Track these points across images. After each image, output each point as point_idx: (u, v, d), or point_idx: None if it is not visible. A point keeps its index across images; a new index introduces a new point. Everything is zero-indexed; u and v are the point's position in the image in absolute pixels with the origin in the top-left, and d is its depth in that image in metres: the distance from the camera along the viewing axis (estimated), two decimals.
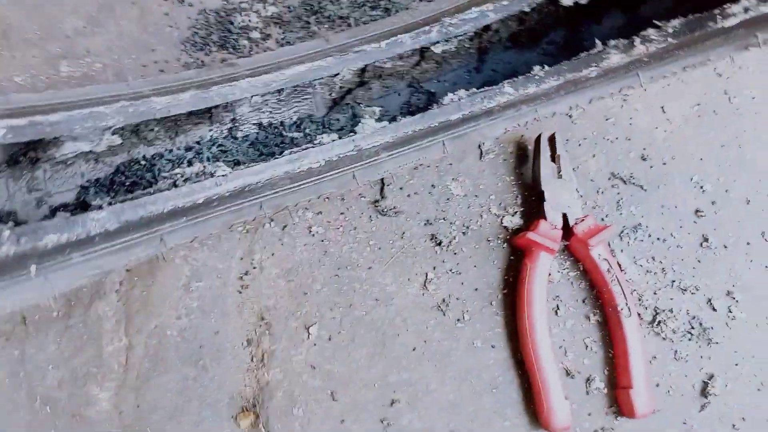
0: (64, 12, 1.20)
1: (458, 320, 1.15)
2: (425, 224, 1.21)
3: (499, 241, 1.22)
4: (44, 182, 0.96)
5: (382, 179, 1.22)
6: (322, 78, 1.05)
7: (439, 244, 1.19)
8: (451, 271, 1.19)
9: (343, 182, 1.10)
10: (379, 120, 1.08)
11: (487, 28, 1.08)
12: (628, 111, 1.33)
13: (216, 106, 1.01)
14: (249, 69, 0.99)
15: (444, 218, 1.22)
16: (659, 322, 1.19)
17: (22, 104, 0.83)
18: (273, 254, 1.15)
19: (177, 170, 0.96)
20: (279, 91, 1.04)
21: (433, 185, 1.24)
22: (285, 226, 1.17)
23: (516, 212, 1.24)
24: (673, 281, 1.24)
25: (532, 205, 1.24)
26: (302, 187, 1.04)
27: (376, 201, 1.20)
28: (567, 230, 1.19)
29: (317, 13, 1.28)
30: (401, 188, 1.22)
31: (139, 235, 0.92)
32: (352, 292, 1.15)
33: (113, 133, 0.92)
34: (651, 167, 1.31)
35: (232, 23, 1.25)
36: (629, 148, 1.32)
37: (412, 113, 1.10)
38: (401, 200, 1.22)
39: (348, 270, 1.16)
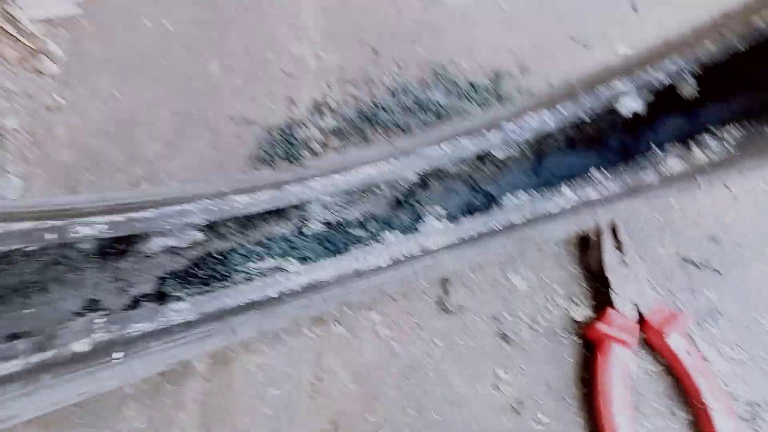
0: (145, 139, 1.32)
1: (534, 421, 1.11)
2: (492, 320, 1.19)
3: (570, 335, 1.18)
4: (128, 273, 1.03)
5: (445, 277, 1.23)
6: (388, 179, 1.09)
7: (508, 340, 1.17)
8: (522, 368, 1.15)
9: (407, 280, 1.12)
10: (441, 220, 1.10)
11: (546, 134, 1.11)
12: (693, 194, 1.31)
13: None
14: (320, 170, 1.05)
15: (510, 313, 1.20)
16: (755, 417, 1.11)
17: (119, 201, 0.90)
18: (342, 358, 1.16)
19: (250, 264, 1.01)
20: (347, 192, 1.09)
21: (496, 280, 1.23)
22: (352, 329, 1.18)
23: (584, 304, 1.21)
24: (765, 370, 1.16)
25: (601, 295, 1.21)
26: (368, 284, 1.07)
27: (440, 299, 1.21)
28: (640, 320, 1.15)
29: (371, 122, 1.35)
30: (464, 285, 1.23)
31: (214, 327, 0.96)
32: (422, 395, 1.13)
33: (197, 230, 0.97)
34: (724, 250, 1.27)
35: (294, 137, 1.34)
36: (698, 231, 1.29)
37: (472, 213, 1.12)
38: (465, 297, 1.21)
39: (417, 371, 1.15)
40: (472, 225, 1.07)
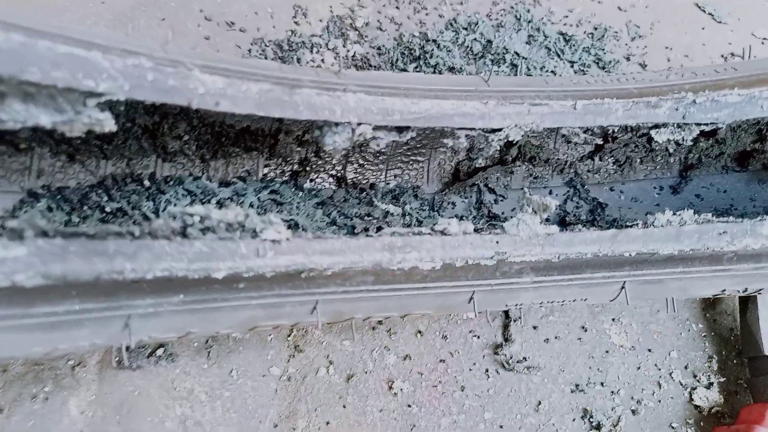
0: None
1: None
2: (573, 390, 0.76)
3: (690, 429, 0.75)
4: None
5: (506, 311, 0.78)
6: (467, 131, 0.62)
7: (598, 427, 0.73)
8: None
9: (451, 303, 0.65)
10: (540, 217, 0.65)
11: (709, 134, 0.68)
12: None
13: (290, 126, 0.58)
14: (361, 84, 0.58)
15: (602, 383, 0.76)
16: None
17: None
18: (328, 423, 0.69)
19: (195, 209, 0.48)
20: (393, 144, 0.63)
21: (584, 327, 0.79)
22: (350, 376, 0.71)
23: (712, 383, 0.78)
24: None
25: (736, 371, 0.78)
26: (389, 294, 0.59)
27: (498, 346, 0.76)
28: None
29: (416, 59, 0.90)
30: (535, 328, 0.78)
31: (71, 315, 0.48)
32: None
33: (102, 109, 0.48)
34: None
35: (292, 58, 0.87)
36: None
37: (564, 224, 0.68)
38: (535, 348, 0.77)
39: None
40: (592, 242, 0.61)
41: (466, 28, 0.94)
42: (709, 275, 0.66)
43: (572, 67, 0.95)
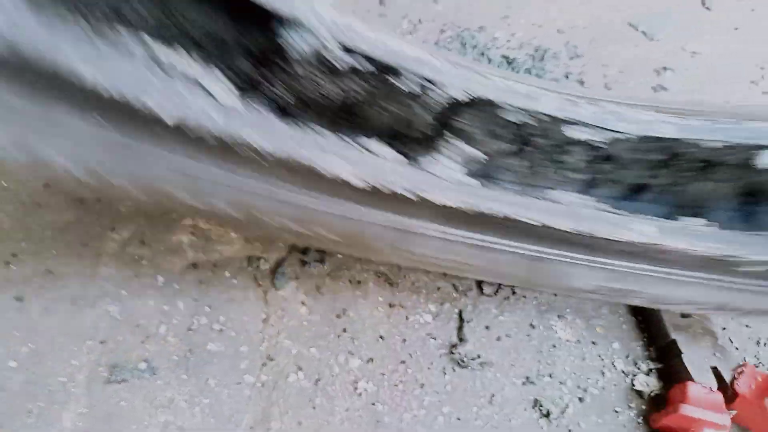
0: None
1: None
2: (524, 383, 0.83)
3: (633, 413, 0.82)
4: None
5: (459, 312, 0.85)
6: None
7: (547, 415, 0.80)
8: None
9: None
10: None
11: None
12: None
13: None
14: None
15: (550, 375, 0.84)
16: None
17: None
18: (300, 423, 0.76)
19: None
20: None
21: (532, 325, 0.86)
22: (318, 380, 0.78)
23: (651, 369, 0.85)
24: None
25: (669, 356, 0.86)
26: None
27: (453, 346, 0.83)
28: (725, 390, 0.81)
29: None
30: (488, 328, 0.85)
31: None
32: None
33: None
34: None
35: None
36: None
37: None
38: (488, 345, 0.84)
39: None
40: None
41: None
42: (591, 264, 0.70)
43: None
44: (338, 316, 0.83)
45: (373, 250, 0.72)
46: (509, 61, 1.06)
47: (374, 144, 0.65)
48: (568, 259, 0.69)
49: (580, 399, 0.83)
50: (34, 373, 0.73)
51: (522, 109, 0.68)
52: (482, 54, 1.06)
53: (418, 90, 0.66)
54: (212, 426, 0.75)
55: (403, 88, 0.66)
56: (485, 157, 0.72)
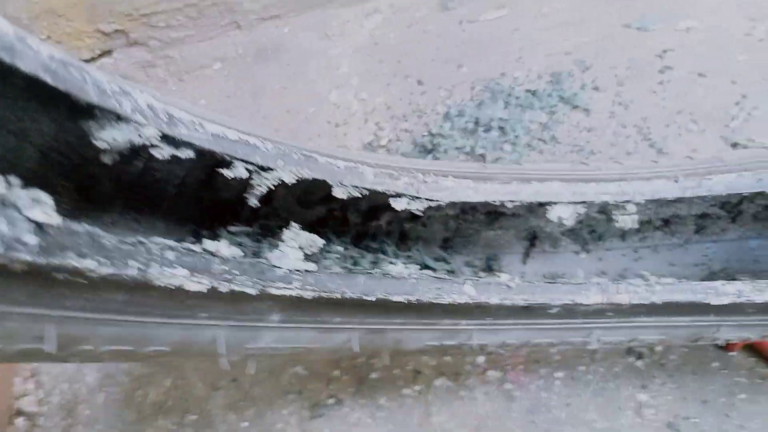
0: None
1: None
2: None
3: None
4: None
5: None
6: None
7: (641, 357, 1.00)
8: (665, 386, 0.98)
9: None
10: None
11: None
12: None
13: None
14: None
15: None
16: None
17: None
18: (453, 414, 1.01)
19: None
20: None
21: None
22: (457, 377, 1.04)
23: None
24: None
25: None
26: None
27: None
28: None
29: (431, 151, 1.26)
30: None
31: None
32: None
33: None
34: None
35: None
36: None
37: None
38: None
39: (543, 413, 0.99)
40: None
41: (457, 115, 1.31)
42: (420, 328, 0.73)
43: (542, 109, 1.28)
44: None
45: (203, 354, 0.65)
46: (533, 93, 1.31)
47: (209, 242, 0.60)
48: (401, 326, 0.72)
49: None
50: None
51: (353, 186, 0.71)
52: (509, 95, 1.31)
53: (244, 175, 0.65)
54: None
55: (229, 174, 0.65)
56: (322, 241, 0.72)
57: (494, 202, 0.80)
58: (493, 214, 0.88)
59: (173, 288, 0.54)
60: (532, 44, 1.40)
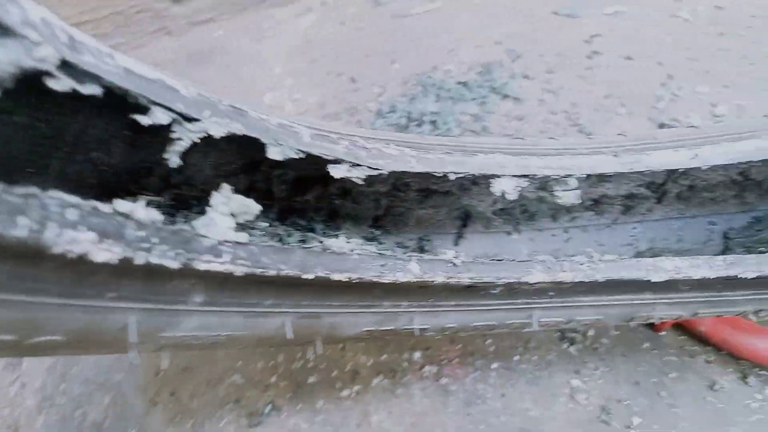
0: None
1: (628, 427, 0.93)
2: None
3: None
4: None
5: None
6: None
7: (573, 342, 1.01)
8: (597, 370, 0.98)
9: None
10: None
11: None
12: None
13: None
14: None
15: None
16: None
17: None
18: (390, 412, 1.01)
19: None
20: None
21: None
22: (394, 375, 1.03)
23: None
24: None
25: None
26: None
27: None
28: None
29: None
30: None
31: None
32: (491, 430, 0.96)
33: None
34: None
35: None
36: None
37: None
38: None
39: (479, 405, 0.99)
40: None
41: (389, 112, 1.30)
42: (358, 311, 0.66)
43: (474, 101, 1.28)
44: None
45: (109, 344, 0.53)
46: (464, 84, 1.31)
47: (121, 202, 0.48)
48: (338, 310, 0.65)
49: None
50: None
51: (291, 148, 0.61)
52: (441, 88, 1.31)
53: (164, 122, 0.53)
54: None
55: (147, 121, 0.52)
56: (258, 207, 0.63)
57: (437, 173, 0.74)
58: (425, 191, 0.84)
59: (75, 257, 0.41)
60: (463, 36, 1.40)
